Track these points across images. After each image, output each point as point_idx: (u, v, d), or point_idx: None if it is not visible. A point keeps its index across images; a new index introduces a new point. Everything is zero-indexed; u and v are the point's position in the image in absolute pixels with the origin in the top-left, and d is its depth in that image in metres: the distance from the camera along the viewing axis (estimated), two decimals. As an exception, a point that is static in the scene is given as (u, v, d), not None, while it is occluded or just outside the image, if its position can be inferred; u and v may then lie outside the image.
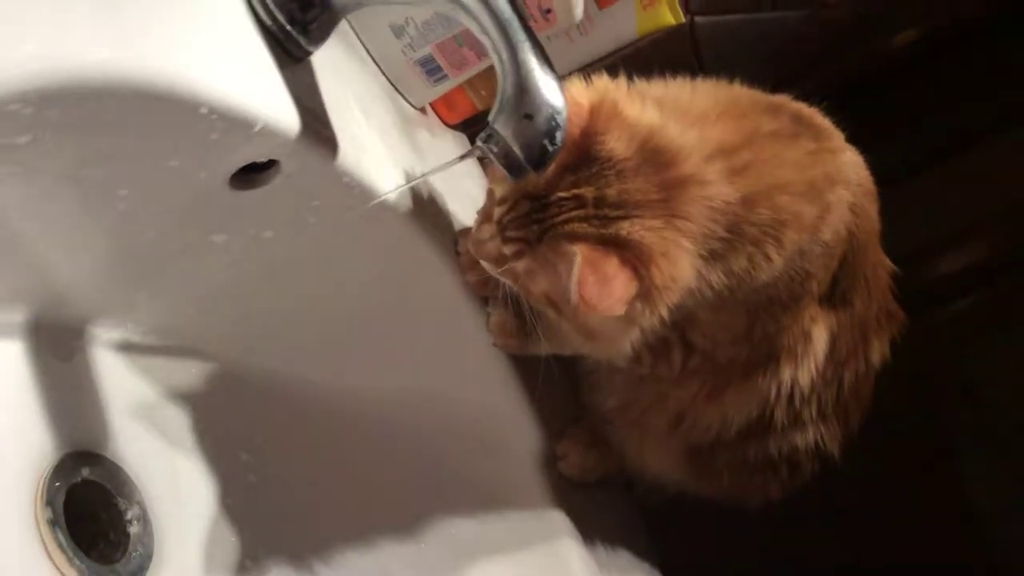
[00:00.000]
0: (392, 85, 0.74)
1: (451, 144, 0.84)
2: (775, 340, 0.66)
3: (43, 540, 0.48)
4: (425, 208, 0.65)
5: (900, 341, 0.73)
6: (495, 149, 0.46)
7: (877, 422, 0.76)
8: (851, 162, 0.63)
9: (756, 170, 0.57)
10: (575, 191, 0.54)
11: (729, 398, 0.69)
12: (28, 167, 0.38)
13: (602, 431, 0.80)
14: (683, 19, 0.81)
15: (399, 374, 0.71)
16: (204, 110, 0.41)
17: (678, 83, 0.62)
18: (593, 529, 0.76)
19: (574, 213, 0.54)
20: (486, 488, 0.74)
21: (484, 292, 0.69)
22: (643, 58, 0.84)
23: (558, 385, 0.76)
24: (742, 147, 0.57)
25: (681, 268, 0.54)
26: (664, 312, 0.55)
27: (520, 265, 0.59)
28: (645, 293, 0.54)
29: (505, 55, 0.44)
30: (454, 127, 0.86)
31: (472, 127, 0.87)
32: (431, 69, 0.73)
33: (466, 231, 0.68)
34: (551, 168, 0.53)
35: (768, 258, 0.58)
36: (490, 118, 0.46)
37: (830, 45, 0.98)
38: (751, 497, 0.78)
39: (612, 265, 0.53)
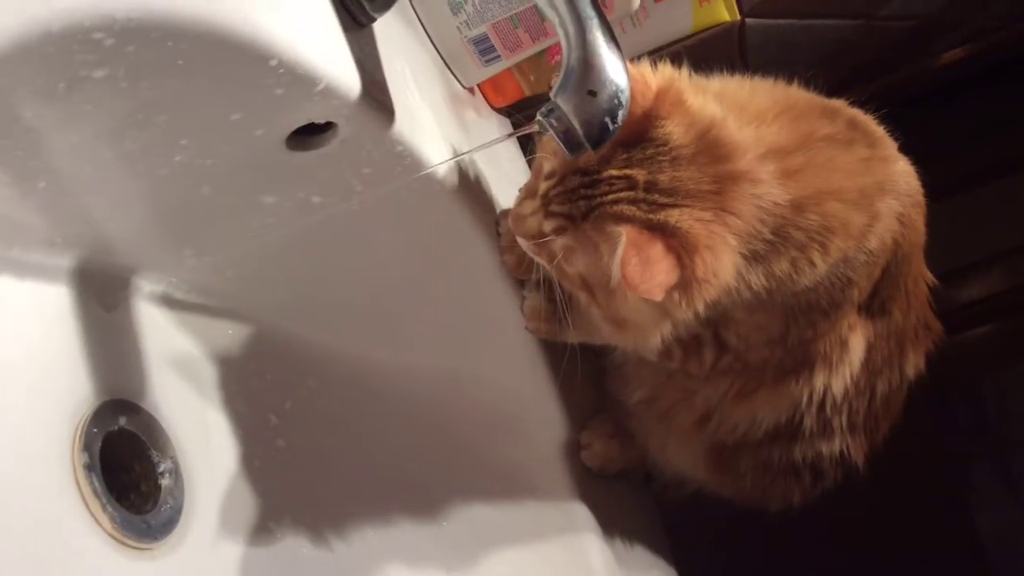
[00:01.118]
0: (444, 62, 0.74)
1: (496, 127, 0.84)
2: (810, 346, 0.65)
3: (79, 485, 0.48)
4: (469, 186, 0.65)
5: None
6: (555, 124, 0.46)
7: (895, 442, 0.76)
8: (903, 171, 0.63)
9: (809, 174, 0.56)
10: (627, 171, 0.54)
11: (759, 400, 0.69)
12: (99, 105, 0.39)
13: (626, 423, 0.79)
14: (738, 16, 0.81)
15: (430, 351, 0.71)
16: (274, 62, 0.41)
17: (736, 80, 0.62)
18: (612, 522, 0.76)
19: (623, 194, 0.54)
20: (508, 473, 0.74)
21: (519, 274, 0.69)
22: (689, 56, 0.84)
23: (584, 375, 0.76)
24: (797, 150, 0.56)
25: (724, 264, 0.54)
26: (700, 307, 0.55)
27: (558, 243, 0.58)
28: (685, 284, 0.53)
29: (572, 30, 0.44)
30: (499, 110, 0.86)
31: (517, 112, 0.87)
32: (484, 49, 0.73)
33: (507, 212, 0.68)
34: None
35: (812, 264, 0.57)
36: (552, 93, 0.45)
37: (880, 57, 0.97)
38: (772, 501, 0.77)
39: (656, 250, 0.52)
